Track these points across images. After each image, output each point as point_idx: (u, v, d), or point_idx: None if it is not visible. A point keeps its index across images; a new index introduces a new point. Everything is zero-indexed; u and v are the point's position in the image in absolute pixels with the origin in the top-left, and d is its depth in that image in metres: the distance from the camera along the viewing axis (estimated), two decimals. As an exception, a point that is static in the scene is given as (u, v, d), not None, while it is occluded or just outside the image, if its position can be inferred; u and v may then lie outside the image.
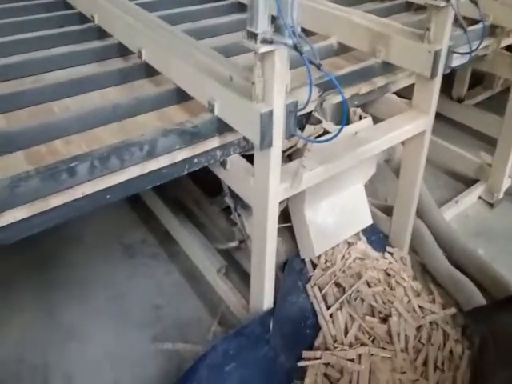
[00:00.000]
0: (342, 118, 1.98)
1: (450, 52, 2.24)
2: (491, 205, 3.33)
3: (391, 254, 2.65)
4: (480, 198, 3.39)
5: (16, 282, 2.60)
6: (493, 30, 2.91)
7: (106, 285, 2.65)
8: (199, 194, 2.87)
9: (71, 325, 2.43)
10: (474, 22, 2.72)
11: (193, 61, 1.90)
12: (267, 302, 2.10)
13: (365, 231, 2.61)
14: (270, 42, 1.52)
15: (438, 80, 2.27)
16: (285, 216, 2.41)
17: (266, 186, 1.80)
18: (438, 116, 4.09)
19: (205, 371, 1.93)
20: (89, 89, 2.05)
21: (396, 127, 2.27)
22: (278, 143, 1.71)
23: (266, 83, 1.62)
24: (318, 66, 1.59)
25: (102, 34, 2.45)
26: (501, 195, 3.32)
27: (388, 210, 2.78)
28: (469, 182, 3.47)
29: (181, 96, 1.97)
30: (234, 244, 2.53)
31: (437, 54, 2.15)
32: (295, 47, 1.54)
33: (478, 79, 4.32)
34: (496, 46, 3.01)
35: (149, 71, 2.14)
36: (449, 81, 4.03)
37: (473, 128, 3.85)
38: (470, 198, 3.34)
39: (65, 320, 2.45)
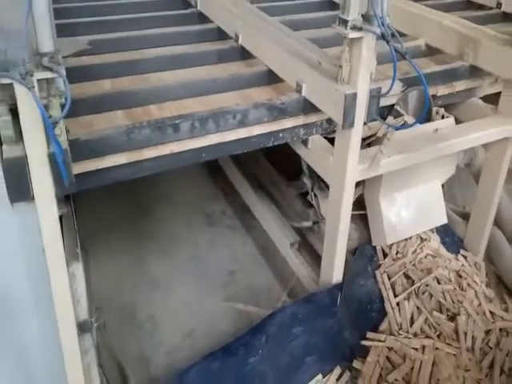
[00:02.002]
0: (423, 108, 2.11)
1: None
2: None
3: (465, 257, 2.65)
4: None
5: (115, 229, 2.95)
6: None
7: (189, 246, 2.94)
8: (277, 177, 3.06)
9: (157, 274, 2.74)
10: None
11: (285, 46, 2.12)
12: (336, 278, 2.23)
13: (439, 231, 2.65)
14: (359, 29, 1.70)
15: (528, 87, 2.30)
16: (360, 204, 2.53)
17: (344, 165, 1.96)
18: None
19: (273, 328, 2.09)
20: (187, 65, 2.34)
21: (478, 129, 2.33)
22: (360, 124, 1.86)
23: (352, 67, 1.79)
24: (404, 55, 1.74)
25: (202, 18, 2.76)
26: None
27: (465, 216, 2.78)
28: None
29: (270, 78, 2.20)
30: (308, 224, 2.67)
31: (527, 60, 2.19)
32: (382, 36, 1.70)
33: None
34: None
35: (243, 54, 2.40)
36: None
37: None
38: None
39: (152, 269, 2.77)
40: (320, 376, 2.17)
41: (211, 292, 2.68)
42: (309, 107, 2.02)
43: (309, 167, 2.48)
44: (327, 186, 2.27)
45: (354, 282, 2.38)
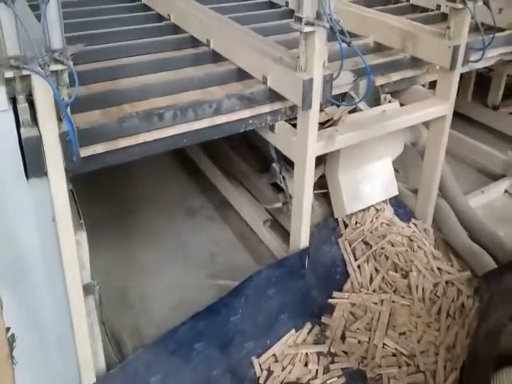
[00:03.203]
0: (370, 91, 2.46)
1: (467, 48, 2.67)
2: (516, 198, 3.64)
3: (415, 224, 3.02)
4: (506, 191, 3.70)
5: (102, 227, 3.14)
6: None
7: (172, 236, 3.21)
8: (250, 171, 3.37)
9: (145, 262, 2.99)
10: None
11: (251, 46, 2.44)
12: (303, 243, 2.55)
13: (392, 204, 3.01)
14: (312, 24, 2.03)
15: (457, 72, 2.69)
16: (322, 185, 2.87)
17: (305, 142, 2.28)
18: (474, 122, 4.46)
19: (251, 290, 2.39)
20: (163, 69, 2.57)
21: (419, 109, 2.71)
22: (316, 105, 2.19)
23: (308, 57, 2.12)
24: (348, 43, 2.08)
25: (176, 29, 3.03)
26: (526, 189, 3.62)
27: (416, 193, 3.16)
28: (497, 178, 3.79)
29: (240, 75, 2.49)
30: (278, 205, 2.98)
31: (455, 49, 2.58)
32: (331, 28, 2.04)
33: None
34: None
35: (215, 57, 2.68)
36: (485, 90, 4.41)
37: (503, 132, 4.19)
38: (497, 191, 3.65)
39: (140, 258, 3.01)
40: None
41: (195, 272, 2.95)
42: (274, 96, 2.33)
43: (277, 152, 2.80)
44: (293, 168, 2.58)
45: (319, 249, 2.70)
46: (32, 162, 1.60)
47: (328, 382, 2.27)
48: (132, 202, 3.46)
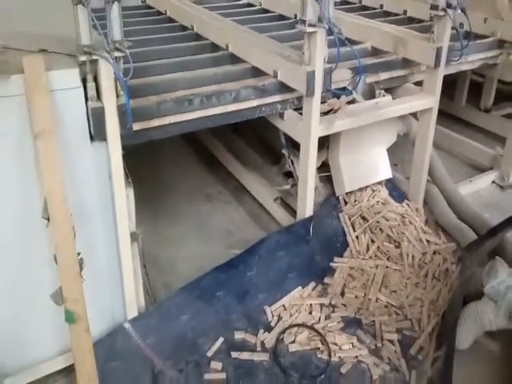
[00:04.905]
0: (358, 80, 2.94)
1: (449, 50, 3.13)
2: (502, 188, 4.04)
3: (408, 204, 3.43)
4: (493, 182, 4.10)
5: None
6: (501, 44, 3.78)
7: (193, 216, 3.68)
8: (263, 162, 3.85)
9: (171, 236, 3.45)
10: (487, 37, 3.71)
11: (264, 47, 2.92)
12: (308, 212, 2.98)
13: (388, 187, 3.43)
14: (314, 26, 2.50)
15: (441, 70, 3.14)
16: (325, 168, 3.31)
17: (309, 125, 2.74)
18: (469, 124, 4.88)
19: (263, 251, 2.83)
20: (189, 69, 2.97)
21: (408, 102, 3.16)
22: (318, 93, 2.65)
23: (311, 53, 2.59)
24: (343, 40, 2.55)
25: (198, 37, 3.54)
26: (510, 180, 4.03)
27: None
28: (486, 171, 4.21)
29: (254, 73, 2.93)
30: (287, 187, 3.43)
31: (438, 50, 3.04)
32: (329, 29, 2.51)
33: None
34: (505, 56, 3.86)
35: (233, 60, 3.15)
36: (478, 95, 4.84)
37: (494, 132, 4.61)
38: (484, 181, 4.06)
39: (166, 233, 3.47)
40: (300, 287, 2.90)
41: (214, 244, 3.39)
42: (283, 88, 2.80)
43: (286, 138, 3.26)
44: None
45: (323, 222, 3.13)
46: (96, 128, 2.08)
47: (329, 325, 2.67)
48: (158, 189, 3.94)
